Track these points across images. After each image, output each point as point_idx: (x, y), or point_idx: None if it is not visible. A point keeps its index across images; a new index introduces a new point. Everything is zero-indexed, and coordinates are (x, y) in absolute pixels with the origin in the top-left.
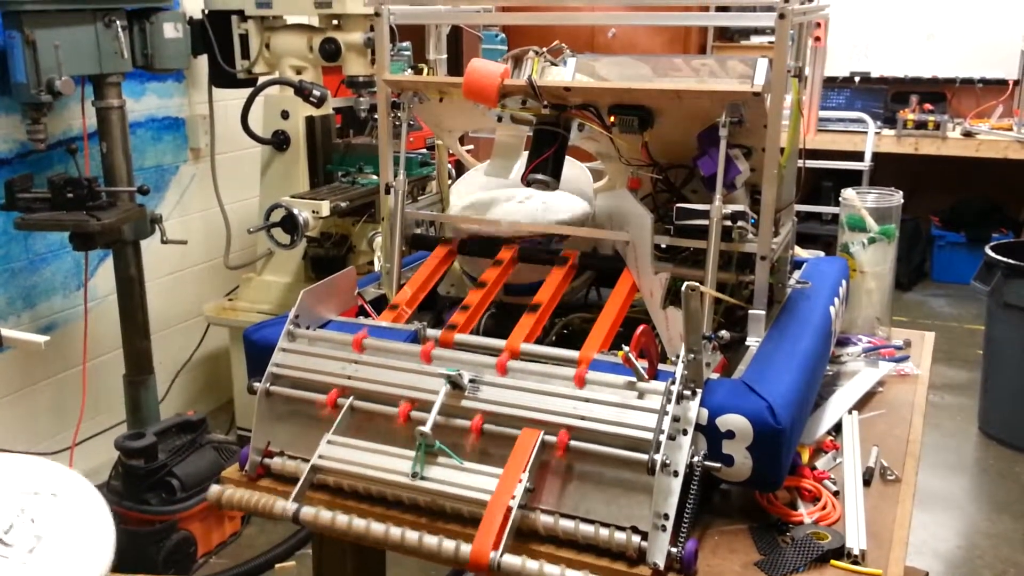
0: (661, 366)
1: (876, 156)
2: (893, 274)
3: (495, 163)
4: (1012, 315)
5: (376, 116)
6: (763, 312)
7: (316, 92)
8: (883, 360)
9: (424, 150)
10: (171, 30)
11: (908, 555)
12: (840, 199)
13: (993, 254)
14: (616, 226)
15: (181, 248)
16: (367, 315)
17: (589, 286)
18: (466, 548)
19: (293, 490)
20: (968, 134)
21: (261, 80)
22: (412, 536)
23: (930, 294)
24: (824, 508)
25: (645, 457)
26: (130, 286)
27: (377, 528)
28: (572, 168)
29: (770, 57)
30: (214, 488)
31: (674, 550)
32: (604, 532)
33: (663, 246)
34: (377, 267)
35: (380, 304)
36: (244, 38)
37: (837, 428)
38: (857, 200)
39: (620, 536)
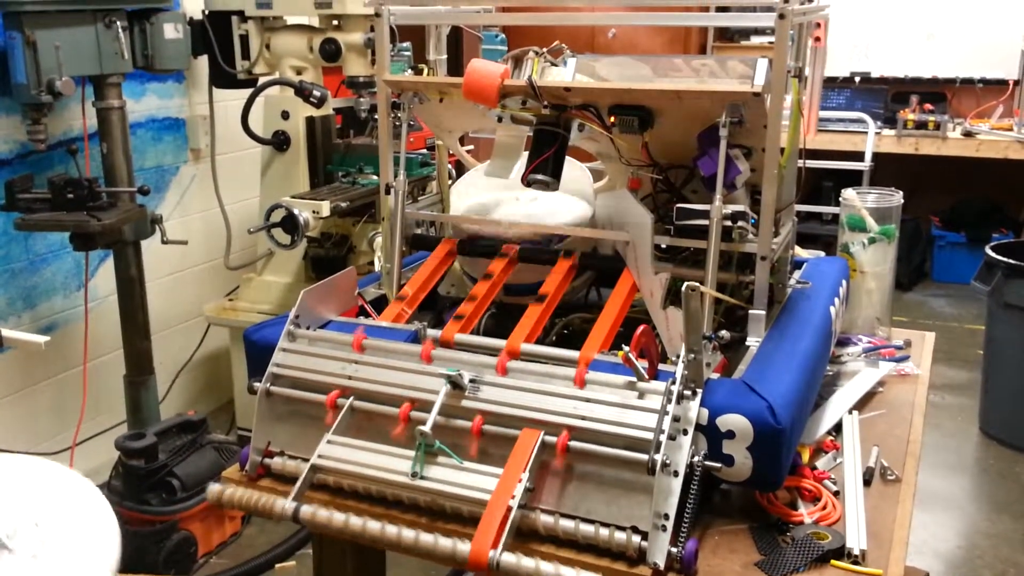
0: (661, 366)
1: (876, 156)
2: (893, 274)
3: (495, 163)
4: (1012, 315)
5: (376, 116)
6: (763, 312)
7: (316, 92)
8: (883, 360)
9: (424, 150)
10: (171, 31)
11: (908, 555)
12: (840, 199)
13: (993, 254)
14: (616, 226)
15: (181, 248)
16: (367, 315)
17: (589, 286)
18: (465, 547)
19: (293, 489)
20: (968, 134)
21: (261, 81)
22: (412, 535)
23: (930, 294)
24: (824, 508)
25: (645, 457)
26: (130, 286)
27: (377, 527)
28: (572, 169)
29: (770, 57)
30: (214, 487)
31: (674, 550)
32: (604, 532)
33: (663, 246)
34: (377, 267)
35: (380, 304)
36: (244, 39)
37: (837, 428)
38: (857, 200)
39: (620, 536)
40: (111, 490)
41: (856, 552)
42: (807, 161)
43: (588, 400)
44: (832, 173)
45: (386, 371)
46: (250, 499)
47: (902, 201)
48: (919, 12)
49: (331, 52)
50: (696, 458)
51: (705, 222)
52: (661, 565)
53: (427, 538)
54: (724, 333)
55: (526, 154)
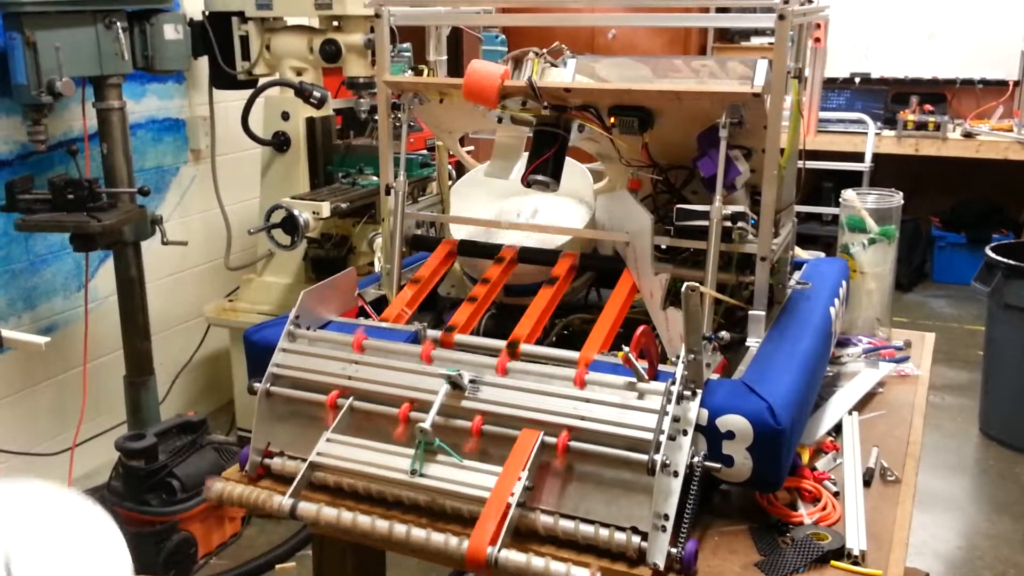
0: (661, 367)
1: (876, 157)
2: (893, 275)
3: (495, 164)
4: (1012, 316)
5: (376, 117)
6: (763, 313)
7: (316, 93)
8: (883, 361)
9: (424, 151)
10: (171, 31)
11: (908, 556)
12: (840, 200)
13: (993, 255)
14: (616, 227)
15: (181, 249)
16: (367, 316)
17: (589, 287)
18: (463, 544)
19: (290, 487)
20: (968, 135)
21: (261, 81)
22: (410, 532)
23: (930, 295)
24: (824, 509)
25: (645, 457)
26: (130, 287)
27: (375, 524)
28: (573, 172)
29: (770, 58)
30: (213, 484)
31: (674, 550)
32: (604, 532)
33: (663, 247)
34: (377, 268)
35: (380, 305)
36: (244, 39)
37: (837, 429)
38: (857, 201)
39: (620, 536)
40: (111, 491)
41: (856, 553)
42: (807, 162)
43: (588, 400)
44: (832, 174)
45: (386, 371)
46: (248, 495)
47: (902, 202)
48: (919, 13)
49: (331, 53)
50: (696, 459)
51: (705, 223)
52: (661, 566)
53: (428, 535)
54: (724, 334)
55: (526, 155)
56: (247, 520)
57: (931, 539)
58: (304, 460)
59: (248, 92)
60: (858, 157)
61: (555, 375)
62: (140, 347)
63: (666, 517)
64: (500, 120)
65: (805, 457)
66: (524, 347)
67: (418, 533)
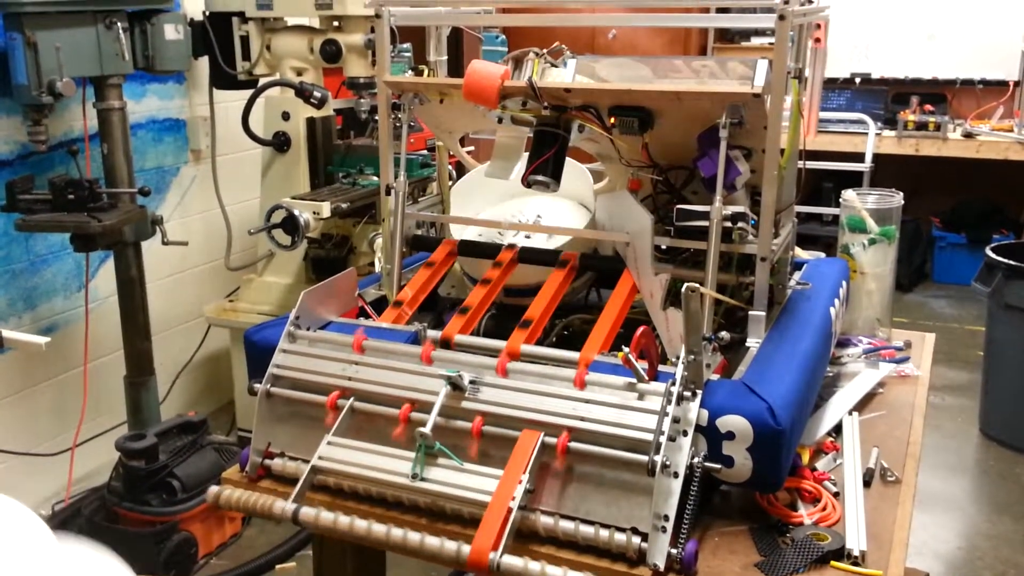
0: (661, 367)
1: (876, 157)
2: (893, 275)
3: (495, 164)
4: (1013, 316)
5: (377, 117)
6: (763, 313)
7: (317, 93)
8: (883, 361)
9: (425, 151)
10: (172, 32)
11: (908, 556)
12: (840, 200)
13: (994, 255)
14: (616, 227)
15: (182, 249)
16: (368, 316)
17: (589, 287)
18: (465, 548)
19: (293, 491)
20: (969, 135)
21: (262, 82)
22: (412, 536)
23: (931, 295)
24: (824, 509)
25: (645, 458)
26: (131, 287)
27: (377, 528)
28: (573, 173)
29: (770, 58)
30: (213, 488)
31: (674, 551)
32: (604, 533)
33: (663, 247)
34: (378, 268)
35: (381, 305)
36: (245, 40)
37: (837, 429)
38: (857, 201)
39: (620, 537)
40: (111, 491)
41: (856, 553)
42: (807, 162)
43: (588, 401)
44: (832, 174)
45: (386, 372)
46: (249, 500)
47: (902, 202)
48: (919, 13)
49: (332, 53)
50: (696, 459)
51: (705, 223)
52: (661, 566)
53: (430, 540)
54: (724, 334)
55: (526, 155)
56: (247, 520)
57: (931, 539)
58: (304, 461)
59: (248, 92)
60: (858, 157)
61: (555, 376)
62: (140, 347)
63: (666, 518)
64: (500, 120)
65: (805, 457)
66: (524, 347)
67: (420, 538)
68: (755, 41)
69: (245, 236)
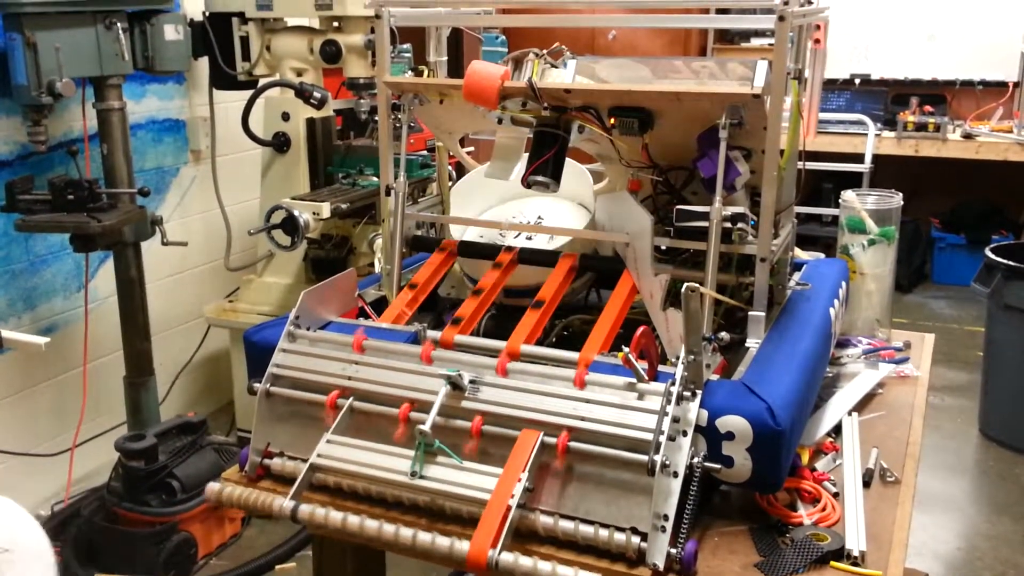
0: (661, 367)
1: (876, 158)
2: (893, 276)
3: (495, 165)
4: (1012, 317)
5: (376, 118)
6: (763, 314)
7: (317, 94)
8: (883, 362)
9: (425, 152)
10: (172, 32)
11: (908, 556)
12: (840, 201)
13: (993, 256)
14: (616, 228)
15: (182, 250)
16: (367, 316)
17: (589, 288)
18: (464, 546)
19: (291, 489)
20: (968, 136)
21: (262, 82)
22: (411, 534)
23: (930, 296)
24: (824, 509)
25: (645, 458)
26: (130, 288)
27: (376, 526)
28: (572, 174)
29: (770, 59)
30: (213, 485)
31: (674, 551)
32: (604, 533)
33: (663, 248)
34: (378, 269)
35: (380, 306)
36: (245, 40)
37: (837, 430)
38: (857, 202)
39: (620, 537)
40: (111, 491)
41: (855, 553)
42: (807, 163)
43: (588, 401)
44: (832, 175)
45: (386, 372)
46: (249, 498)
47: (902, 203)
48: (919, 14)
49: (331, 54)
50: (696, 459)
51: (705, 224)
52: (660, 566)
53: (426, 537)
54: (724, 334)
55: (526, 156)
56: (247, 521)
57: (931, 540)
58: (304, 460)
59: (248, 93)
60: (858, 158)
61: (555, 376)
62: (140, 347)
63: (666, 518)
64: (500, 121)
65: (805, 458)
66: (524, 348)
67: (420, 537)
68: (755, 42)
69: (245, 236)
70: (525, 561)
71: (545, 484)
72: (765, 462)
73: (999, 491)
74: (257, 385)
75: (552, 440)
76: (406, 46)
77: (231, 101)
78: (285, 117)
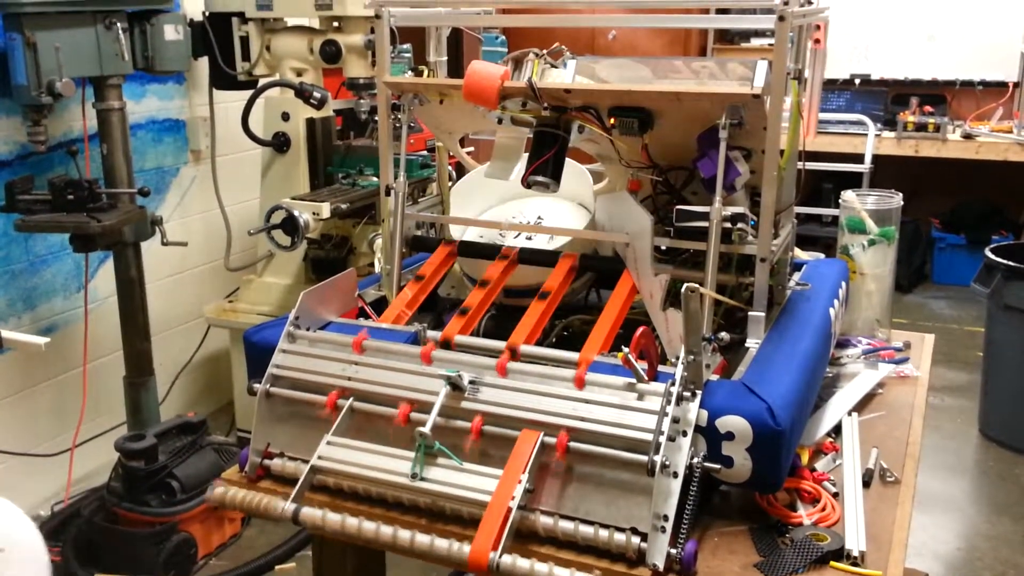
0: (661, 367)
1: (876, 158)
2: (893, 276)
3: (495, 165)
4: (1012, 317)
5: (376, 118)
6: (763, 314)
7: (317, 94)
8: (883, 362)
9: (424, 152)
10: (172, 32)
11: (908, 557)
12: (840, 201)
13: (993, 256)
14: (616, 228)
15: (181, 250)
16: (367, 317)
17: (589, 288)
18: (465, 548)
19: (292, 491)
20: (968, 136)
21: (262, 82)
22: (412, 536)
23: (930, 296)
24: (824, 510)
25: (645, 458)
26: (130, 288)
27: (376, 528)
28: (572, 174)
29: (770, 59)
30: (214, 488)
31: (673, 551)
32: (604, 533)
33: (663, 248)
34: (377, 269)
35: (380, 306)
36: (245, 40)
37: (837, 430)
38: (857, 202)
39: (620, 537)
40: (111, 491)
41: (855, 554)
42: (807, 163)
43: (588, 401)
44: (832, 175)
45: (386, 372)
46: (250, 501)
47: (902, 203)
48: (919, 14)
49: (331, 54)
50: (695, 459)
51: (705, 224)
52: (660, 566)
53: (427, 539)
54: (723, 335)
55: (526, 156)
56: (247, 521)
57: (931, 540)
58: (304, 461)
59: (248, 93)
60: (858, 158)
61: (555, 376)
62: (140, 348)
63: (665, 518)
64: (500, 121)
65: (805, 458)
66: (524, 348)
67: (420, 538)
68: (755, 42)
69: (245, 237)
70: (523, 563)
71: (545, 485)
72: (765, 462)
73: (999, 491)
74: (257, 385)
75: (552, 440)
76: (406, 46)
77: (231, 101)
78: (285, 117)
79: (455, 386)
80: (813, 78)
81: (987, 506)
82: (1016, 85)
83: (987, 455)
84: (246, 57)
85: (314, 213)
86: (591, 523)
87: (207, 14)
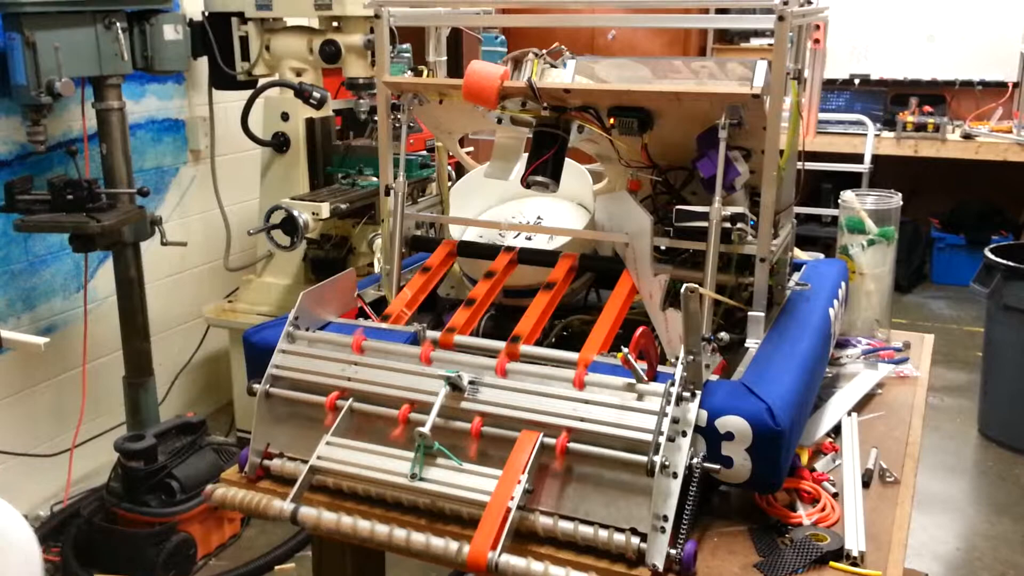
0: (660, 368)
1: (875, 158)
2: (892, 276)
3: (495, 165)
4: (1012, 317)
5: (376, 118)
6: (762, 314)
7: (316, 94)
8: (882, 362)
9: (424, 152)
10: (171, 32)
11: (907, 557)
12: (839, 201)
13: (992, 256)
14: (616, 228)
15: (181, 250)
16: (367, 317)
17: (589, 288)
18: (464, 548)
19: (291, 491)
20: (967, 136)
21: (261, 82)
22: (410, 536)
23: (929, 296)
24: (823, 510)
25: (644, 459)
26: (130, 288)
27: (376, 528)
28: (572, 174)
29: (769, 59)
30: (212, 488)
31: (673, 552)
32: (603, 533)
33: (662, 248)
34: (377, 269)
35: (380, 306)
36: (244, 40)
37: (836, 430)
38: (856, 202)
39: (619, 538)
40: (110, 492)
41: (855, 554)
42: (806, 163)
43: (587, 402)
44: (831, 175)
45: (385, 372)
46: (248, 500)
47: (901, 203)
48: (919, 14)
49: (331, 53)
50: (695, 460)
51: (704, 224)
52: (660, 567)
53: (426, 539)
54: (723, 335)
55: (526, 156)
56: (246, 521)
57: (930, 540)
58: (303, 461)
59: (248, 93)
60: (857, 158)
61: (554, 376)
62: (139, 348)
63: (665, 518)
64: (500, 121)
65: (804, 458)
66: (524, 348)
67: (419, 538)
68: (754, 42)
69: (244, 237)
70: (518, 562)
71: (545, 485)
72: (764, 462)
73: (998, 491)
74: (256, 386)
75: (551, 441)
76: (406, 46)
77: (230, 101)
78: (284, 117)
79: (454, 386)
80: (813, 78)
81: (986, 506)
82: (1015, 85)
83: (986, 455)
84: (245, 57)
85: (313, 213)
86: (591, 523)
87: (206, 14)
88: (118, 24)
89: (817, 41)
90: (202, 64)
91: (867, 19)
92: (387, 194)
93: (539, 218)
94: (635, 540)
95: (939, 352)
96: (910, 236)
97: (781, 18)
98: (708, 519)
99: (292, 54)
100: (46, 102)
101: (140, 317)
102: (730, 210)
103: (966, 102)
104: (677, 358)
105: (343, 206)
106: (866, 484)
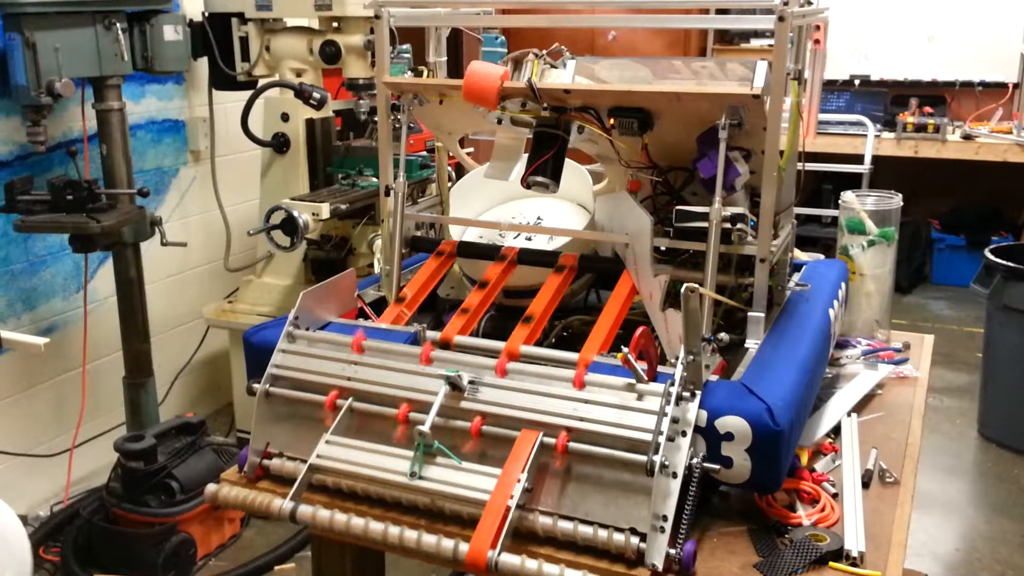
0: (660, 368)
1: (876, 159)
2: (892, 277)
3: (495, 165)
4: (1012, 318)
5: (376, 118)
6: (762, 314)
7: (316, 94)
8: (882, 363)
9: (424, 152)
10: (171, 32)
11: (907, 557)
12: (840, 202)
13: (993, 257)
14: (616, 228)
15: (181, 250)
16: (367, 317)
17: (589, 288)
18: (464, 547)
19: (291, 490)
20: (968, 137)
21: (261, 82)
22: (410, 535)
23: (930, 297)
24: (823, 510)
25: (644, 459)
26: (130, 288)
27: (375, 527)
28: (572, 175)
29: (769, 60)
30: (211, 486)
31: (672, 551)
32: (603, 533)
33: (662, 248)
34: (377, 269)
35: (380, 306)
36: (244, 40)
37: (836, 430)
38: (857, 203)
39: (619, 537)
40: (110, 492)
41: (854, 554)
42: (806, 164)
43: (587, 402)
44: (831, 176)
45: (385, 372)
46: (247, 499)
47: (901, 204)
48: (919, 15)
49: (331, 54)
50: (695, 460)
51: (704, 224)
52: (659, 567)
53: (428, 539)
54: (723, 335)
55: (526, 156)
56: (246, 521)
57: (930, 541)
58: (303, 461)
59: (248, 93)
60: (857, 159)
61: (554, 376)
62: (139, 348)
63: (665, 518)
64: (500, 121)
65: (804, 458)
66: (523, 348)
67: (419, 538)
68: (755, 43)
69: (244, 237)
70: (517, 561)
71: (544, 485)
72: (764, 463)
73: (998, 492)
74: (256, 386)
75: (551, 441)
76: (406, 46)
77: (230, 101)
78: (284, 118)
79: (454, 386)
80: (813, 78)
81: (986, 507)
82: (1016, 86)
83: (986, 456)
84: (245, 57)
85: (313, 214)
86: (590, 523)
87: (206, 14)
88: (118, 25)
89: (817, 41)
90: (202, 65)
91: (867, 20)
92: (387, 194)
93: (539, 218)
94: (634, 540)
95: (939, 353)
96: (910, 237)
97: (781, 18)
98: (708, 519)
99: (292, 55)
100: (46, 103)
101: (140, 317)
102: (730, 210)
103: (966, 103)
104: (677, 358)
105: (343, 207)
106: (866, 485)
